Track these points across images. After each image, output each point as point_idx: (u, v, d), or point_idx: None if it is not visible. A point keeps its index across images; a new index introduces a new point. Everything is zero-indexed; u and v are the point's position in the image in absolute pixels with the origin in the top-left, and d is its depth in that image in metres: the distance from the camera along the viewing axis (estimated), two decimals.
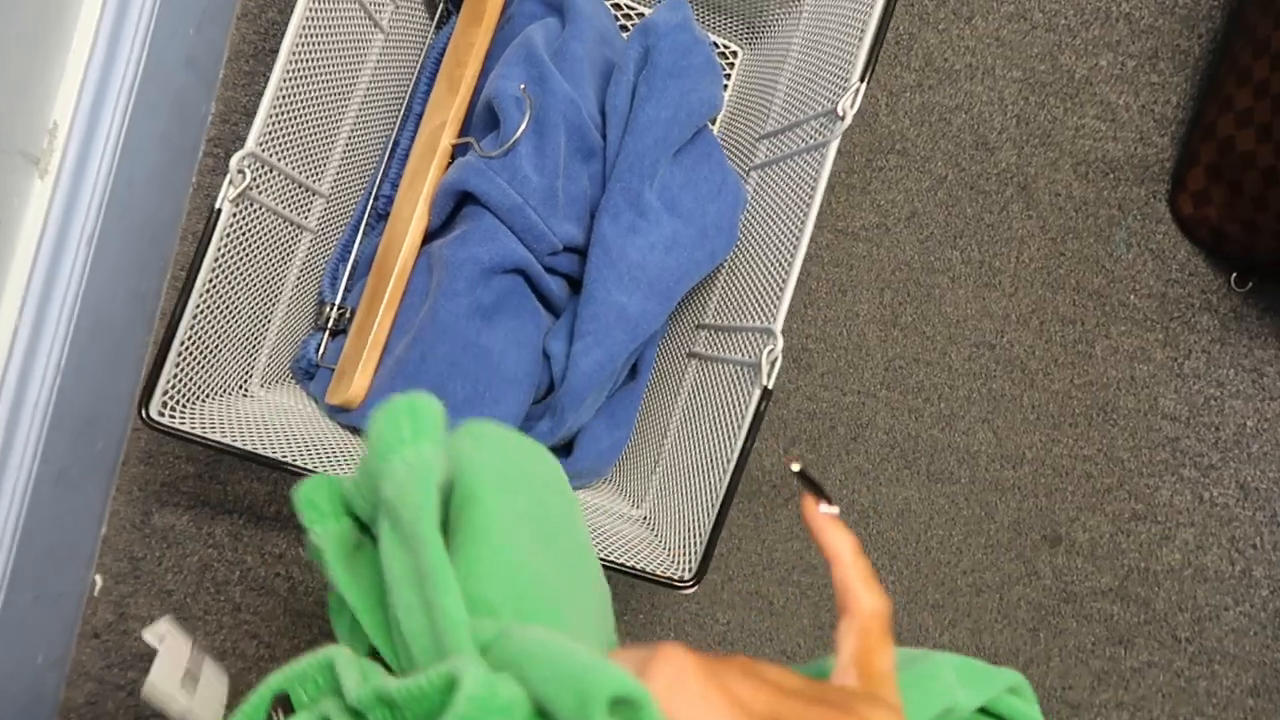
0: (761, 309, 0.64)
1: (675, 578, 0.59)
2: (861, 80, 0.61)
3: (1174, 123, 0.90)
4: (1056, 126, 0.89)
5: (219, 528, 0.76)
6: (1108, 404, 0.88)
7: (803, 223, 0.62)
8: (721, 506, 0.60)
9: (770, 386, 0.59)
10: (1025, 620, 0.86)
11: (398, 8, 0.70)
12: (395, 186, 0.71)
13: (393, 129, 0.74)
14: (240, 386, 0.65)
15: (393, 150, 0.73)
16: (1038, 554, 0.86)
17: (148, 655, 0.75)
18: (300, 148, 0.63)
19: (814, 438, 0.84)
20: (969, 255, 0.87)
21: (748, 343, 0.64)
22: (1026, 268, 0.87)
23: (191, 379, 0.58)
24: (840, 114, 0.61)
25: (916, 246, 0.86)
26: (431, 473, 0.30)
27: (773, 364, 0.60)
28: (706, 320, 0.72)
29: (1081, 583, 0.87)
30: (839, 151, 0.85)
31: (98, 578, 0.75)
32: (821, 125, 0.64)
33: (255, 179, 0.58)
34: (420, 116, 0.73)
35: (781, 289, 0.62)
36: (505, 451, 0.36)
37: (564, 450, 0.70)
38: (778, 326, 0.61)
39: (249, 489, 0.77)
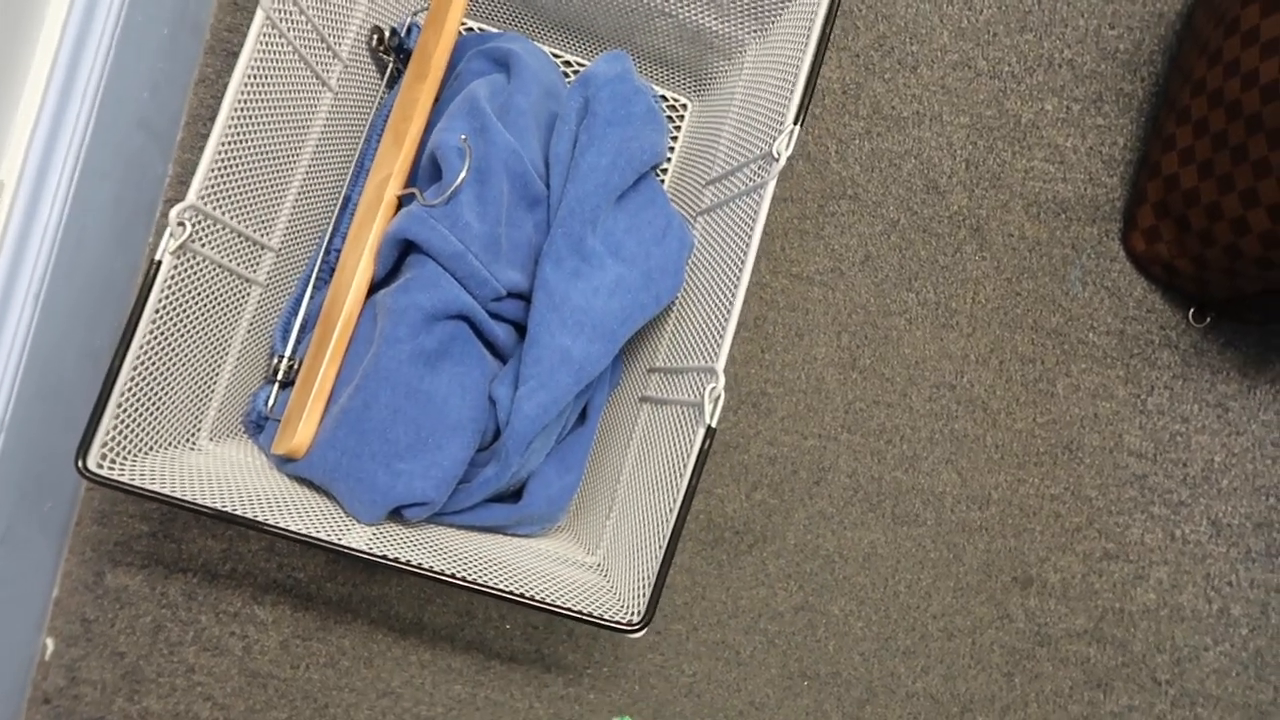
0: (708, 350, 0.65)
1: (622, 621, 0.58)
2: (795, 123, 0.62)
3: (1121, 163, 0.92)
4: (1006, 169, 0.90)
5: (173, 587, 0.75)
6: (1072, 442, 0.88)
7: (743, 262, 0.62)
8: (668, 546, 0.59)
9: (713, 425, 0.59)
10: (1000, 665, 0.84)
11: (346, 67, 0.72)
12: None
13: (344, 185, 0.75)
14: (188, 440, 0.65)
15: (344, 206, 0.74)
16: (1009, 596, 0.85)
17: None
18: (247, 202, 0.64)
19: (776, 482, 0.83)
20: (925, 297, 0.87)
21: (694, 383, 0.64)
22: (983, 308, 0.88)
23: (134, 431, 0.58)
24: (775, 155, 0.62)
25: (872, 290, 0.87)
26: None
27: (715, 402, 0.60)
28: (658, 364, 0.72)
29: (1055, 625, 0.85)
30: (791, 198, 0.87)
31: (49, 641, 0.74)
32: (760, 167, 0.65)
33: (197, 232, 0.59)
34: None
35: (724, 333, 0.62)
36: None
37: (514, 496, 0.69)
38: (719, 365, 0.61)
39: (204, 547, 0.76)
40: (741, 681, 0.81)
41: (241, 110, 0.60)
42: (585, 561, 0.70)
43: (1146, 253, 0.89)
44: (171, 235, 0.57)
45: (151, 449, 0.61)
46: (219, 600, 0.76)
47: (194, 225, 0.58)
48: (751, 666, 0.82)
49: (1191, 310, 0.91)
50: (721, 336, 0.63)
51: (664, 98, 0.83)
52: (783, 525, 0.83)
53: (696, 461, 0.60)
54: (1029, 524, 0.86)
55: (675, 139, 0.84)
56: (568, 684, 0.79)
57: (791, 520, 0.83)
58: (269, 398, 0.69)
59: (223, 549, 0.76)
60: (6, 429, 0.63)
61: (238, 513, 0.56)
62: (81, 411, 0.73)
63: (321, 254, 0.73)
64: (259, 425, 0.69)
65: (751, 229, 0.63)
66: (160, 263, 0.57)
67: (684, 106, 0.84)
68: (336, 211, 0.74)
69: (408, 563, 0.56)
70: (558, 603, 0.58)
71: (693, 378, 0.65)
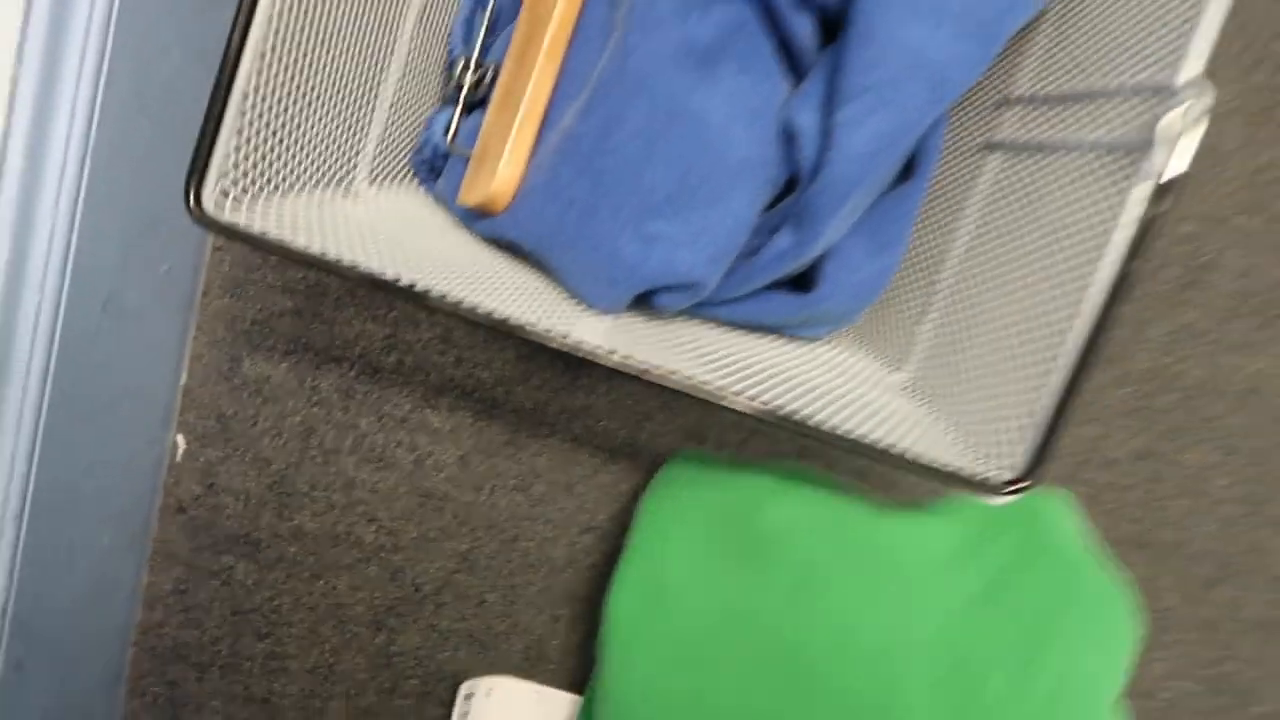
0: (1139, 57, 0.40)
1: (995, 479, 0.38)
2: None
3: None
4: None
5: (325, 380, 0.59)
6: None
7: None
8: (1074, 373, 0.37)
9: (1179, 174, 0.36)
10: None
11: None
12: None
13: None
14: (340, 181, 0.45)
15: None
16: None
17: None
18: None
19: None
20: None
21: (1111, 114, 0.40)
22: None
23: (266, 160, 0.39)
24: None
25: None
26: None
27: (1182, 134, 0.36)
28: (1018, 92, 0.47)
29: None
30: None
31: (180, 438, 0.59)
32: None
33: None
34: None
35: (1197, 15, 0.37)
36: None
37: (802, 282, 0.47)
38: (1183, 77, 0.36)
39: (362, 331, 0.58)
40: None
41: None
42: (886, 380, 0.49)
43: None
44: None
45: (291, 188, 0.41)
46: (383, 401, 0.59)
47: None
48: None
49: None
50: (1177, 31, 0.38)
51: None
52: (1130, 342, 0.60)
53: (1137, 236, 0.37)
54: None
55: None
56: None
57: (1144, 336, 0.60)
58: (449, 124, 0.48)
59: (386, 335, 0.58)
60: (92, 151, 0.44)
61: (413, 284, 0.36)
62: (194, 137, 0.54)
63: None
64: (434, 166, 0.49)
65: None
66: None
67: None
68: None
69: (674, 372, 0.36)
70: (884, 444, 0.38)
71: (1109, 105, 0.40)
